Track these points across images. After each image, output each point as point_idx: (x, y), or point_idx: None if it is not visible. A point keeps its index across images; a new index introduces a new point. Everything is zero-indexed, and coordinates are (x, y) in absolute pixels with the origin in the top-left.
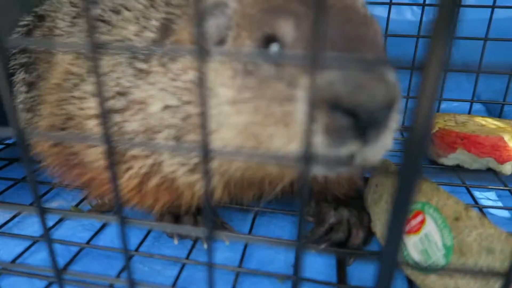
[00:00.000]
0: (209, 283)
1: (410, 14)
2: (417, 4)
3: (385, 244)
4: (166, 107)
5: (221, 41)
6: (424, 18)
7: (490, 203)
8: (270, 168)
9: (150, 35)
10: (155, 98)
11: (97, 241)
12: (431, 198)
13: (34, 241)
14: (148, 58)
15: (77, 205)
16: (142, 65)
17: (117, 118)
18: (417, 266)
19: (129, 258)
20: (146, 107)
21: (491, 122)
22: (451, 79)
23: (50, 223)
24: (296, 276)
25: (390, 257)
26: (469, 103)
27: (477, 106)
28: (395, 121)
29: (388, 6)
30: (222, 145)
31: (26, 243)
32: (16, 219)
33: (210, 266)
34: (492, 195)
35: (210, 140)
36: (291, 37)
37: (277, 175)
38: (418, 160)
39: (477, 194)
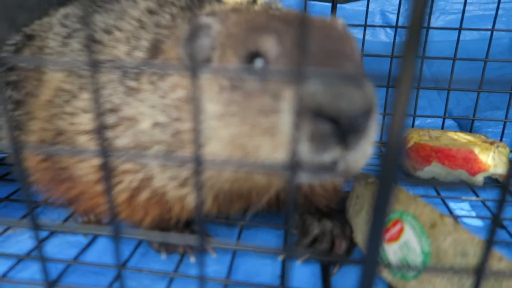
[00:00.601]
0: None
1: (384, 36)
2: (390, 26)
3: (366, 250)
4: (156, 124)
5: (207, 60)
6: (397, 40)
7: (464, 213)
8: (257, 178)
9: (140, 54)
10: (145, 115)
11: (84, 257)
12: (409, 207)
13: (20, 259)
14: (138, 76)
15: (63, 222)
16: (132, 83)
17: (108, 134)
18: (398, 269)
19: (120, 271)
20: (136, 124)
21: (462, 137)
22: (424, 97)
23: (35, 241)
24: (283, 286)
25: (371, 263)
26: (441, 119)
27: (449, 122)
28: (373, 129)
29: (363, 28)
30: (212, 158)
31: (11, 262)
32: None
33: (202, 279)
34: (465, 205)
35: (202, 152)
36: (274, 52)
37: (265, 186)
38: (394, 170)
39: (451, 205)
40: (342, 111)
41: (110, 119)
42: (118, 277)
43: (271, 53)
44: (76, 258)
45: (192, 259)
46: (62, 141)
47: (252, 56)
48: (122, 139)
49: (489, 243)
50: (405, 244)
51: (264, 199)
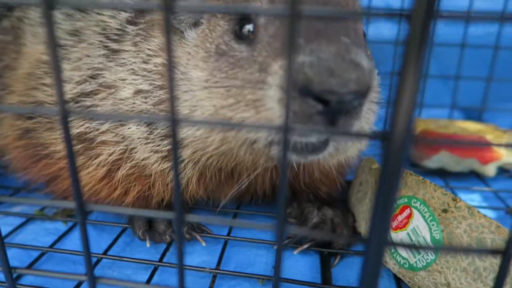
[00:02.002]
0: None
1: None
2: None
3: (368, 242)
4: (138, 92)
5: (196, 24)
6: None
7: (475, 204)
8: (243, 155)
9: (125, 15)
10: (126, 81)
11: (62, 245)
12: (417, 192)
13: None
14: (120, 37)
15: (41, 209)
16: (114, 45)
17: (87, 102)
18: (407, 256)
19: (89, 256)
20: (117, 92)
21: (472, 125)
22: (429, 88)
23: (9, 228)
24: (276, 276)
25: (375, 255)
26: (448, 112)
27: (456, 115)
28: (369, 111)
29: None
30: (195, 130)
31: None
32: None
33: (181, 268)
34: (476, 197)
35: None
36: (264, 18)
37: (251, 164)
38: (401, 156)
39: (461, 196)
40: (332, 91)
41: (90, 86)
42: (89, 265)
43: (261, 18)
44: (52, 245)
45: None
46: (40, 114)
47: (242, 21)
48: (101, 108)
49: None
50: (413, 232)
51: (251, 177)
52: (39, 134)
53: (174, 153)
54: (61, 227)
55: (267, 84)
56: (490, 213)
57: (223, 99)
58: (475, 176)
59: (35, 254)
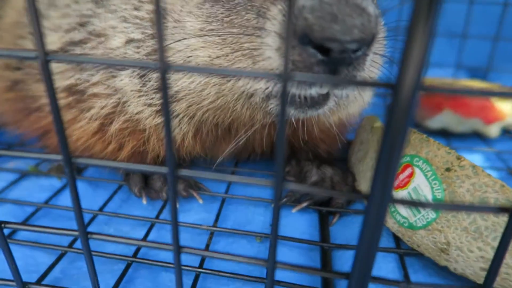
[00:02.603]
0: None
1: None
2: None
3: (371, 197)
4: (129, 41)
5: None
6: None
7: (478, 164)
8: (239, 109)
9: None
10: (117, 29)
11: (57, 201)
12: (420, 150)
13: None
14: None
15: (36, 165)
16: None
17: (76, 51)
18: (407, 215)
19: (79, 211)
20: (107, 40)
21: (477, 85)
22: (434, 46)
23: (3, 184)
24: (274, 233)
25: (376, 211)
26: (452, 72)
27: (461, 75)
28: (375, 63)
29: None
30: (189, 83)
31: None
32: None
33: (175, 224)
34: (479, 157)
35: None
36: None
37: (248, 119)
38: (409, 109)
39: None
40: (333, 39)
41: (79, 34)
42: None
43: None
44: (47, 201)
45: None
46: (28, 65)
47: None
48: (90, 57)
49: None
50: (414, 191)
51: (248, 134)
52: (28, 86)
53: (165, 106)
54: (56, 183)
55: (265, 31)
56: (492, 174)
57: (218, 48)
58: (477, 137)
59: (30, 210)
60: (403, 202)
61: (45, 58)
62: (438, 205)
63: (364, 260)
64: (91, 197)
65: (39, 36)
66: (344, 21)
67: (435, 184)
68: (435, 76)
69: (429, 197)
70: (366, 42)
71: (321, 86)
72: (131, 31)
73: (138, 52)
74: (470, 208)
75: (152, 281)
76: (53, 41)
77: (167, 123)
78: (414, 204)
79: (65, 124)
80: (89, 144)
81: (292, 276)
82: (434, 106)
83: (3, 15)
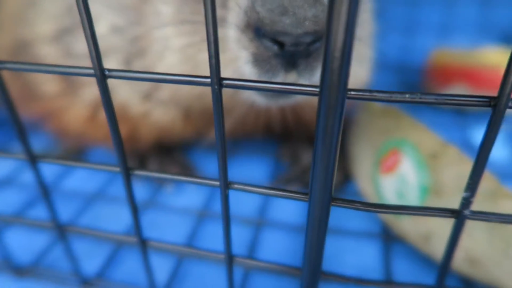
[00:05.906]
0: None
1: None
2: None
3: (309, 201)
4: (113, 28)
5: None
6: None
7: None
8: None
9: None
10: (101, 15)
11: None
12: (409, 134)
13: None
14: None
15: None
16: None
17: (67, 37)
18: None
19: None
20: None
21: (499, 58)
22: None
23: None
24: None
25: (317, 215)
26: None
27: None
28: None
29: None
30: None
31: None
32: None
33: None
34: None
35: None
36: None
37: (230, 106)
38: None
39: (476, 133)
40: (285, 31)
41: (68, 21)
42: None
43: None
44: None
45: (169, 190)
46: (26, 52)
47: None
48: (79, 45)
49: None
50: (401, 177)
51: (236, 116)
52: (26, 73)
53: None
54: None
55: (227, 22)
56: (503, 152)
57: (190, 37)
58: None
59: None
60: (343, 200)
61: (103, 74)
62: (384, 207)
63: (313, 257)
64: (89, 179)
65: (96, 54)
66: (294, 14)
67: (421, 171)
68: (457, 44)
69: (415, 184)
70: (322, 34)
71: (285, 74)
72: (114, 17)
73: (121, 39)
74: (419, 210)
75: None
76: (45, 29)
77: (113, 126)
78: (363, 204)
79: (59, 110)
80: (82, 130)
81: None
82: (445, 78)
83: (4, 3)
